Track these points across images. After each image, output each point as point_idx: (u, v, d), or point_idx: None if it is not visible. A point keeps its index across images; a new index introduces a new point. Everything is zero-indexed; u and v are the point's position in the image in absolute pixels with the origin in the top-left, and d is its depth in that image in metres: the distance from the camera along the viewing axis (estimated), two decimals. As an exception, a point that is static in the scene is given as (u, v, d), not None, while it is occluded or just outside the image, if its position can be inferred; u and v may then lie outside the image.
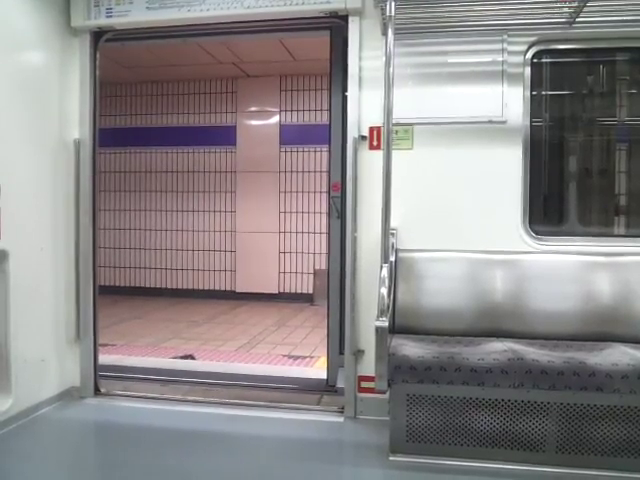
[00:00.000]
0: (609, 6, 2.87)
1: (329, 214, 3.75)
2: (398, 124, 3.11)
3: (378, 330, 2.53)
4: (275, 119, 8.01)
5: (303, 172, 7.92)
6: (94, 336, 3.62)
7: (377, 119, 3.16)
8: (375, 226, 2.96)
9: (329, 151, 3.77)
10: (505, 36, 3.12)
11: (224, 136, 8.10)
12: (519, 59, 3.14)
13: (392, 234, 3.05)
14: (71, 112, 3.52)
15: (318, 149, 7.72)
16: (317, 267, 7.83)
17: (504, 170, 3.17)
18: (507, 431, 2.57)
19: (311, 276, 7.92)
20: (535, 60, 3.19)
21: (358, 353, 3.24)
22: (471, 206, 3.19)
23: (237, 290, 8.14)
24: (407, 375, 2.57)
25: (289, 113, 7.97)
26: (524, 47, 3.14)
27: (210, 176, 8.20)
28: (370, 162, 3.19)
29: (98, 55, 3.57)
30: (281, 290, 8.04)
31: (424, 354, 2.60)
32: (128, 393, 3.62)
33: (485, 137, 3.17)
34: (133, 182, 8.43)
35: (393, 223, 2.96)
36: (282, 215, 7.99)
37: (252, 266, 8.05)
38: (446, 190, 3.22)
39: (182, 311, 7.35)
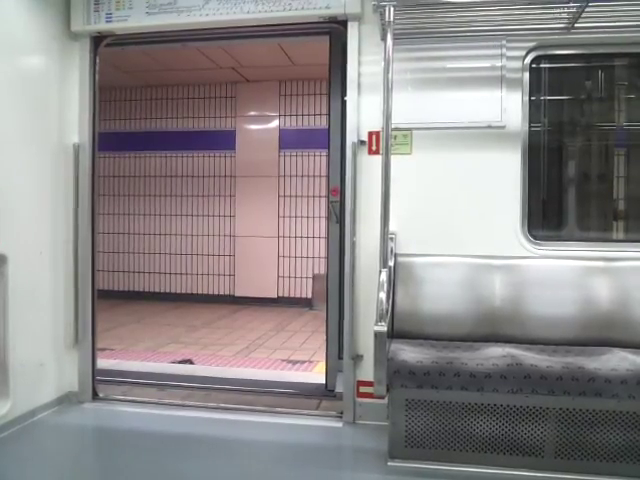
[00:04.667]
0: (607, 12, 2.88)
1: (328, 218, 3.76)
2: (397, 129, 3.11)
3: (377, 335, 2.52)
4: (274, 123, 8.02)
5: (302, 176, 7.92)
6: (92, 340, 3.61)
7: (376, 124, 3.16)
8: (374, 231, 2.96)
9: (328, 156, 3.77)
10: (504, 41, 3.13)
11: (223, 140, 8.12)
12: (518, 64, 3.15)
13: (391, 239, 3.06)
14: (71, 116, 3.52)
15: (317, 153, 7.73)
16: (316, 272, 7.83)
17: (503, 175, 3.17)
18: (506, 436, 2.56)
19: (310, 280, 7.92)
20: (534, 65, 3.20)
21: (357, 358, 3.24)
22: (470, 211, 3.19)
23: (236, 294, 8.14)
24: (406, 380, 2.57)
25: (288, 118, 7.98)
26: (523, 52, 3.14)
27: (209, 180, 8.21)
28: (369, 167, 3.19)
29: (98, 60, 3.58)
30: (280, 294, 8.03)
31: (423, 359, 2.60)
32: (126, 398, 3.61)
33: (484, 142, 3.18)
34: (132, 186, 8.44)
35: (392, 228, 2.97)
36: (281, 219, 8.00)
37: (251, 270, 8.05)
38: (445, 195, 3.22)
39: (181, 315, 7.34)
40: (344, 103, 3.39)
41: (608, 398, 2.45)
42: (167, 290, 8.35)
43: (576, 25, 2.97)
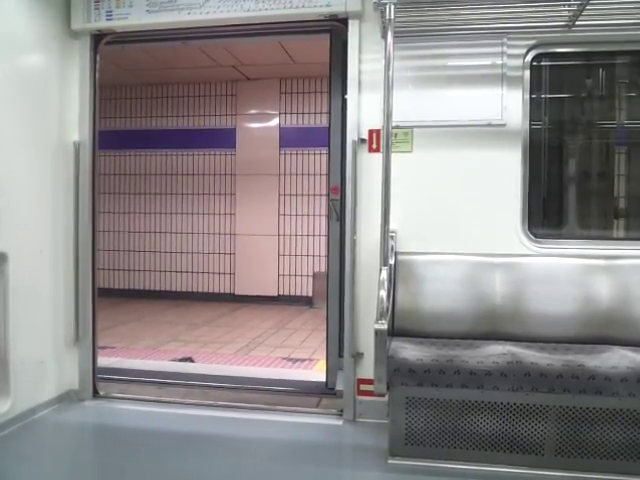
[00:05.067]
0: (608, 9, 2.88)
1: (328, 217, 3.75)
2: (397, 127, 3.11)
3: (377, 333, 2.52)
4: (275, 122, 8.02)
5: (303, 175, 7.92)
6: (93, 338, 3.61)
7: (377, 122, 3.16)
8: (374, 229, 2.96)
9: (328, 154, 3.77)
10: (505, 39, 3.12)
11: (224, 139, 8.11)
12: (518, 62, 3.15)
13: (391, 237, 3.05)
14: (71, 114, 3.52)
15: (318, 152, 7.73)
16: (316, 270, 7.83)
17: (503, 173, 3.16)
18: (506, 434, 2.57)
19: (310, 279, 7.92)
20: (534, 63, 3.19)
21: (357, 356, 3.24)
22: (470, 209, 3.19)
23: (236, 293, 8.15)
24: (406, 378, 2.57)
25: (289, 116, 7.98)
26: (523, 50, 3.14)
27: (210, 179, 8.21)
28: (369, 165, 3.19)
29: (98, 58, 3.58)
30: (280, 293, 8.04)
31: (423, 357, 2.60)
32: (127, 396, 3.62)
33: (484, 140, 3.18)
34: (133, 185, 8.44)
35: (392, 226, 2.96)
36: (282, 218, 8.00)
37: (251, 269, 8.05)
38: (445, 193, 3.21)
39: (181, 314, 7.35)
40: (345, 101, 3.39)
41: (608, 396, 2.45)
42: (167, 288, 8.36)
43: (577, 23, 2.96)
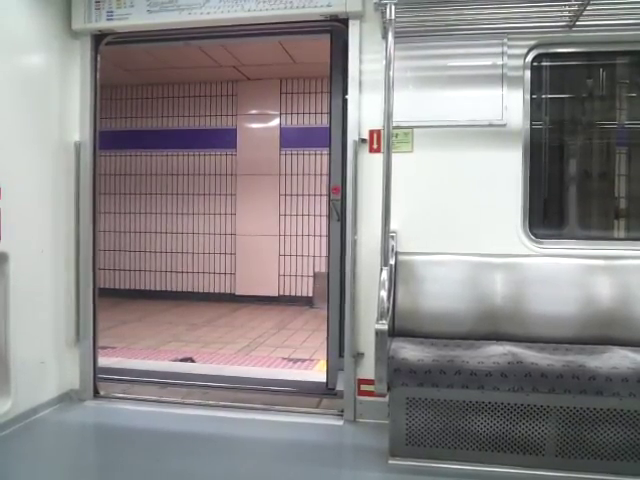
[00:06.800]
0: (609, 10, 2.88)
1: (329, 217, 3.75)
2: (398, 127, 3.11)
3: (378, 333, 2.53)
4: (275, 122, 8.02)
5: (303, 175, 7.93)
6: (94, 338, 3.62)
7: (377, 122, 3.17)
8: (375, 229, 2.96)
9: (329, 154, 3.77)
10: (505, 39, 3.13)
11: (224, 139, 8.12)
12: (519, 62, 3.15)
13: (392, 237, 3.05)
14: (72, 114, 3.52)
15: (318, 152, 7.73)
16: (317, 270, 7.83)
17: (504, 173, 3.17)
18: (507, 435, 2.56)
19: (311, 279, 7.92)
20: (535, 63, 3.20)
21: (358, 356, 3.24)
22: (471, 209, 3.19)
23: (237, 293, 8.15)
24: (407, 378, 2.57)
25: (289, 116, 7.98)
26: (524, 50, 3.14)
27: (210, 179, 8.21)
28: (370, 165, 3.19)
29: (99, 58, 3.58)
30: (281, 293, 8.04)
31: (424, 357, 2.60)
32: (127, 396, 3.62)
33: (485, 140, 3.17)
34: (133, 185, 8.44)
35: (393, 226, 2.97)
36: (282, 218, 8.00)
37: (252, 269, 8.05)
38: (446, 193, 3.21)
39: (182, 314, 7.35)
40: (345, 101, 3.39)
41: (609, 396, 2.45)
42: (168, 288, 8.36)
43: (577, 23, 2.96)
